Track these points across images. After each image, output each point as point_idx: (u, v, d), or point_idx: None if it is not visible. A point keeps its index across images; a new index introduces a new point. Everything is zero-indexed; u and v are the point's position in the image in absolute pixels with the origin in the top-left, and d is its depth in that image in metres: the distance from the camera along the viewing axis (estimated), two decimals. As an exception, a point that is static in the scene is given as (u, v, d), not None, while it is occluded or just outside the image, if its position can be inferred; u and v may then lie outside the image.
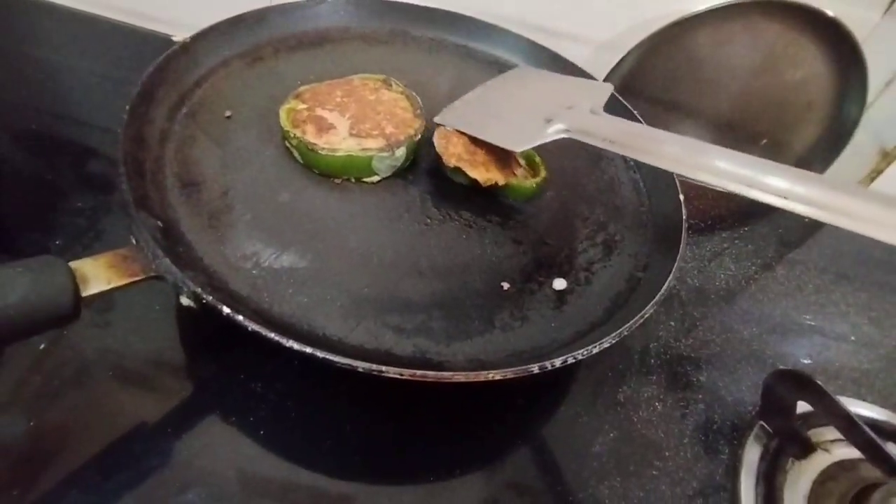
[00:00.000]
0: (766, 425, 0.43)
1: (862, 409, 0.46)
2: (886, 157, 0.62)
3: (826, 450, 0.41)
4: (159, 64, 0.45)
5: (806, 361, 0.50)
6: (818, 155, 0.66)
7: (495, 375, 0.32)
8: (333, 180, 0.44)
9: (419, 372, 0.31)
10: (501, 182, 0.44)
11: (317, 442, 0.38)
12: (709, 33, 0.60)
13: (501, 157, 0.45)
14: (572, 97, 0.44)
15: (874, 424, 0.42)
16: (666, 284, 0.38)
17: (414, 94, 0.49)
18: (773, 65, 0.62)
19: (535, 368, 0.33)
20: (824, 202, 0.32)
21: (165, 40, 0.66)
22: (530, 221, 0.45)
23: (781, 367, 0.48)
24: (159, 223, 0.36)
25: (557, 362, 0.33)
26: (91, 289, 0.30)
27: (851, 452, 0.40)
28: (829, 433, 0.42)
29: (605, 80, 0.62)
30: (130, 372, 0.39)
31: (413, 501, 0.37)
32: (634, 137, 0.38)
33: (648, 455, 0.41)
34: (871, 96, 0.61)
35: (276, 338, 0.30)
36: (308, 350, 0.30)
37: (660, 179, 0.49)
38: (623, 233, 0.46)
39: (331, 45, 0.57)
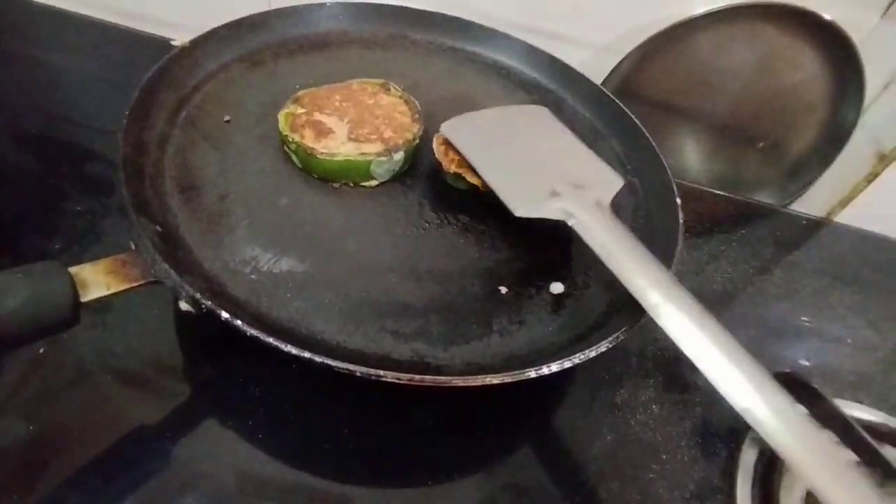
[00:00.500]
0: (762, 428, 0.43)
1: (859, 411, 0.46)
2: (884, 160, 0.62)
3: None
4: (159, 68, 0.45)
5: (803, 364, 0.51)
6: (816, 157, 0.67)
7: (493, 380, 0.32)
8: (332, 185, 0.44)
9: (417, 377, 0.32)
10: None
11: (315, 445, 0.38)
12: (707, 37, 0.60)
13: None
14: (584, 176, 0.42)
15: (871, 427, 0.42)
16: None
17: (412, 98, 0.49)
18: (770, 68, 0.62)
19: (533, 373, 0.33)
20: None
21: (165, 44, 0.65)
22: (527, 225, 0.45)
23: (778, 369, 0.48)
24: (158, 228, 0.37)
25: (555, 367, 0.33)
26: (90, 294, 0.30)
27: (848, 455, 0.40)
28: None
29: (604, 83, 0.62)
30: (129, 375, 0.39)
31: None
32: (617, 263, 0.36)
33: (646, 458, 0.41)
34: (868, 99, 0.61)
35: (275, 342, 0.30)
36: (306, 354, 0.30)
37: (657, 183, 0.49)
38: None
39: (330, 49, 0.57)
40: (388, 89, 0.50)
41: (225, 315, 0.31)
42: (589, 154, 0.46)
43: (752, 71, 0.62)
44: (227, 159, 0.44)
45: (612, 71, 0.62)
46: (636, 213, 0.49)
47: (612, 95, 0.55)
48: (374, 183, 0.45)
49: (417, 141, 0.46)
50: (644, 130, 0.52)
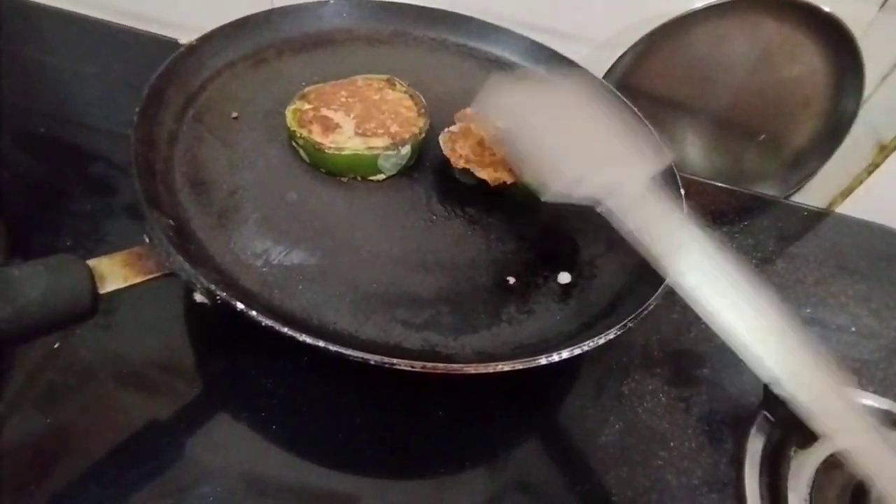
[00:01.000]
0: (768, 415, 0.43)
1: (863, 399, 0.46)
2: (883, 151, 0.62)
3: (829, 439, 0.42)
4: (166, 66, 0.45)
5: (807, 353, 0.51)
6: (816, 149, 0.67)
7: (504, 367, 0.33)
8: (340, 179, 0.45)
9: (430, 364, 0.32)
10: (510, 181, 0.44)
11: (327, 436, 0.38)
12: (706, 30, 0.61)
13: None
14: (622, 156, 0.40)
15: (876, 415, 0.43)
16: (668, 278, 0.39)
17: (417, 93, 0.50)
18: (770, 61, 0.62)
19: (543, 360, 0.33)
20: None
21: (170, 44, 0.66)
22: (534, 217, 0.46)
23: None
24: (171, 222, 0.37)
25: (565, 353, 0.34)
26: (108, 286, 0.31)
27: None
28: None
29: (605, 77, 0.63)
30: (142, 371, 0.39)
31: (423, 494, 0.37)
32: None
33: (653, 446, 0.42)
34: (867, 90, 0.62)
35: (291, 332, 0.31)
36: (321, 344, 0.31)
37: (661, 173, 0.49)
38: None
39: (334, 46, 0.57)
40: (394, 85, 0.51)
41: (240, 306, 0.31)
42: (628, 132, 0.43)
43: (753, 64, 0.62)
44: (236, 155, 0.45)
45: (613, 65, 0.62)
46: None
47: (614, 89, 0.56)
48: (381, 177, 0.45)
49: (423, 135, 0.46)
50: (647, 124, 0.52)
